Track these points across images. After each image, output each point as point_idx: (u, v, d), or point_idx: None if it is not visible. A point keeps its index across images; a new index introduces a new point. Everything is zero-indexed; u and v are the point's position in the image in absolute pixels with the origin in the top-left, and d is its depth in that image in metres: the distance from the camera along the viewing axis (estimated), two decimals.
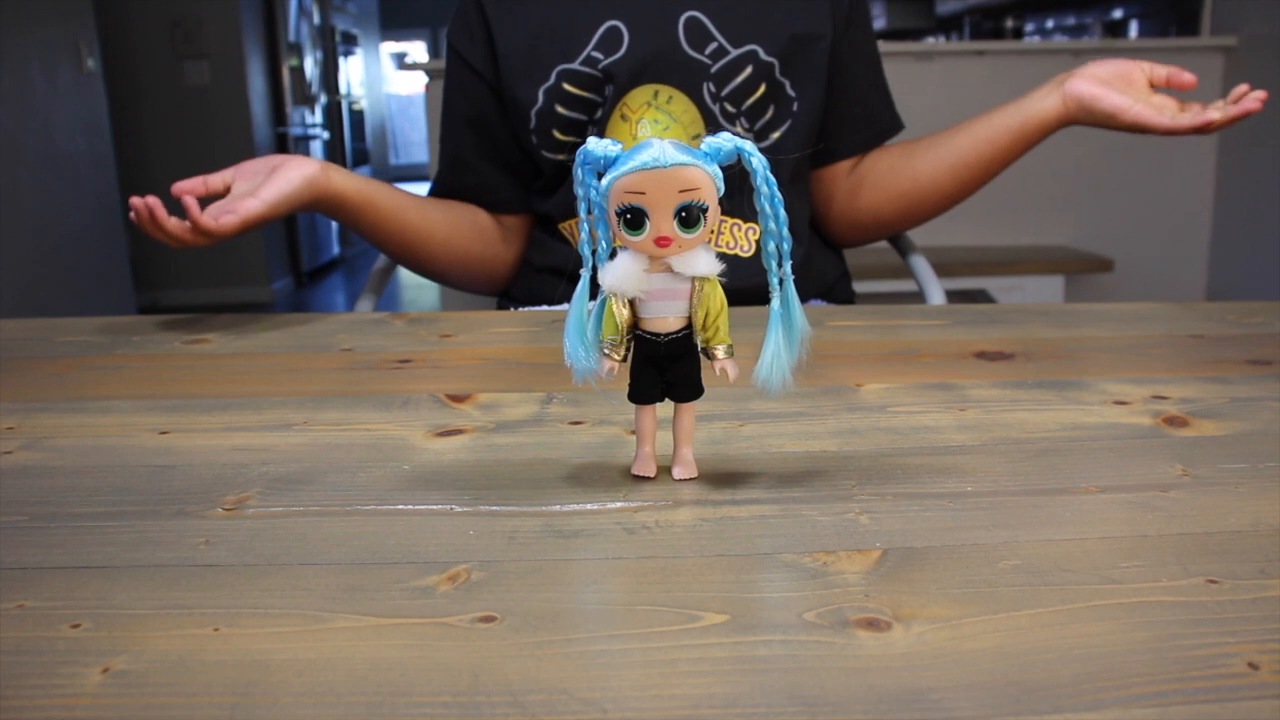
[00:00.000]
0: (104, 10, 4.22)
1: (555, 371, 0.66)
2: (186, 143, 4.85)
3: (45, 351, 0.75)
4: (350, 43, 7.20)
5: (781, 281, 0.43)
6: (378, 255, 1.17)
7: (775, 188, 0.42)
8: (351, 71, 7.24)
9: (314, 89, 6.10)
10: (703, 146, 0.41)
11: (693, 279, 0.43)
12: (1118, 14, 3.76)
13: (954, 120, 1.07)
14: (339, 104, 6.76)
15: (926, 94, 2.49)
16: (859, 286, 1.19)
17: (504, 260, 1.11)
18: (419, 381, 0.65)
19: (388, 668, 0.31)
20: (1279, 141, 2.55)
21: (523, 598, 0.36)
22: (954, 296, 1.26)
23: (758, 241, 0.97)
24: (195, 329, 0.81)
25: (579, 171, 0.42)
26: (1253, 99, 0.88)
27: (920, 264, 1.17)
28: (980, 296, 2.57)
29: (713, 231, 0.43)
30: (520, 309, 1.06)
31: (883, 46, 1.12)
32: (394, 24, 9.54)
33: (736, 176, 0.42)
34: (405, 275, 5.65)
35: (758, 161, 0.41)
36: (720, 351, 0.44)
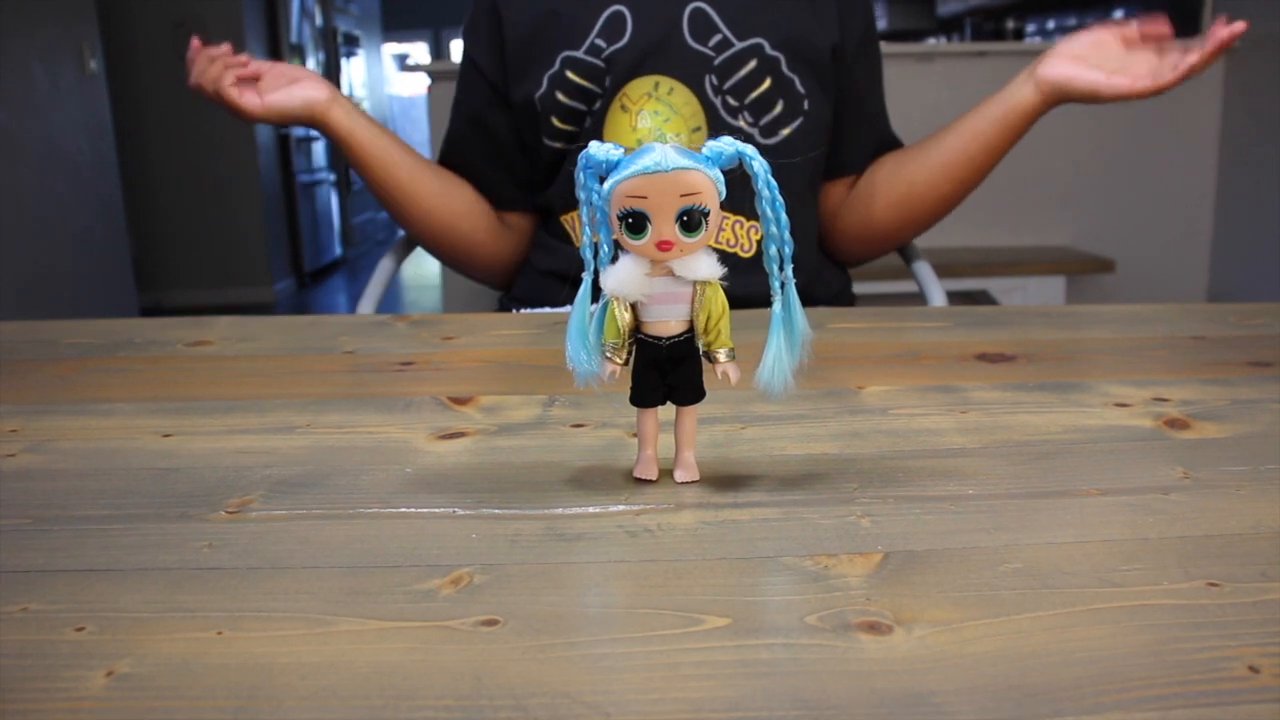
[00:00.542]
0: (106, 11, 4.22)
1: (557, 374, 0.66)
2: (189, 144, 4.85)
3: (48, 354, 0.75)
4: (352, 44, 7.20)
5: (783, 285, 0.43)
6: (380, 256, 1.18)
7: (777, 191, 0.42)
8: (354, 73, 7.24)
9: None
10: (704, 150, 0.41)
11: (694, 283, 0.43)
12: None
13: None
14: None
15: (927, 95, 2.49)
16: (860, 287, 1.20)
17: (494, 250, 1.11)
18: (421, 384, 0.65)
19: (390, 671, 0.32)
20: None
21: (525, 601, 0.36)
22: (955, 297, 1.26)
23: (759, 241, 0.97)
24: (198, 331, 0.81)
25: (581, 175, 0.42)
26: (1224, 31, 0.89)
27: (922, 266, 1.17)
28: (982, 297, 2.57)
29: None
30: (523, 311, 1.06)
31: (883, 47, 1.12)
32: (396, 25, 9.54)
33: (737, 172, 0.43)
34: (408, 277, 5.65)
35: (759, 166, 0.42)
36: (722, 355, 0.44)
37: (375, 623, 0.35)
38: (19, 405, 0.61)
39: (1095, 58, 0.94)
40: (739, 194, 0.43)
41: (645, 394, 0.45)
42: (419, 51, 10.79)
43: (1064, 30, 4.08)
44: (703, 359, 0.45)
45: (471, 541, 0.41)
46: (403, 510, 0.44)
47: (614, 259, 0.44)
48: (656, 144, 0.41)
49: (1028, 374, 0.65)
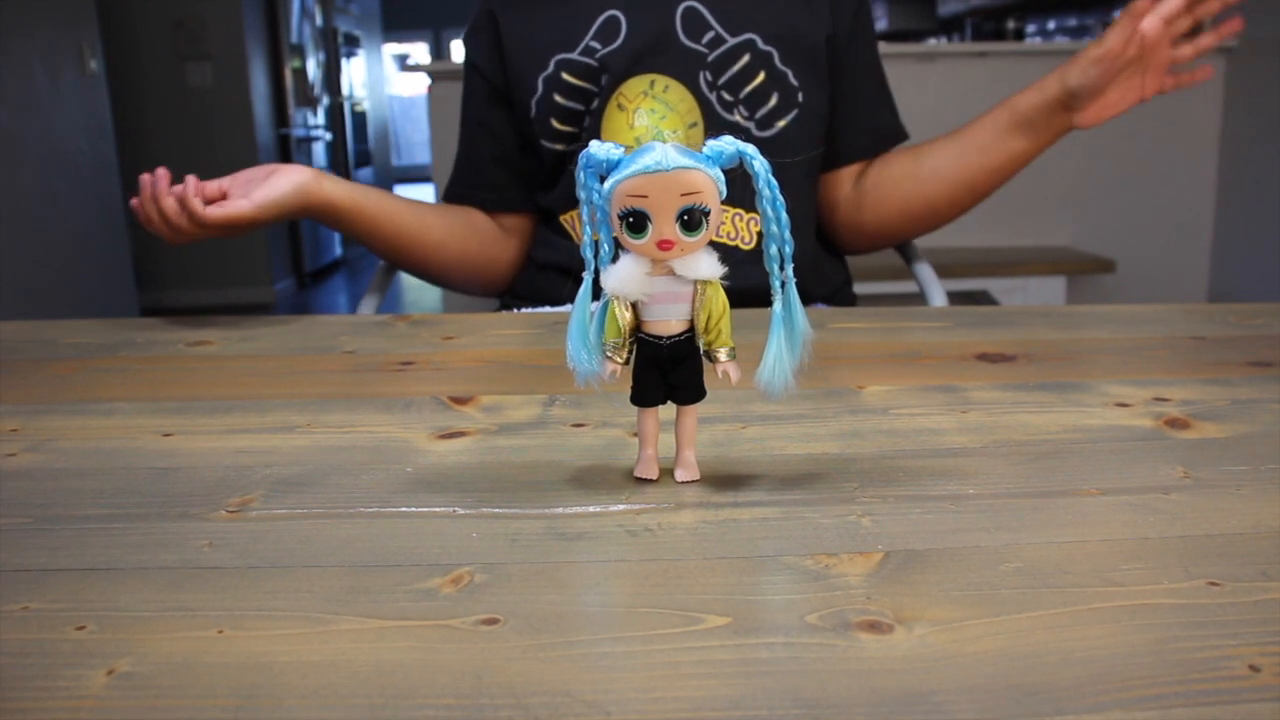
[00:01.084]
0: (107, 11, 4.22)
1: (558, 374, 0.66)
2: (189, 144, 4.85)
3: (49, 353, 0.75)
4: (352, 44, 7.20)
5: (784, 284, 0.43)
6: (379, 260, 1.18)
7: (777, 190, 0.42)
8: (354, 73, 7.24)
9: (316, 90, 6.11)
10: (704, 150, 0.41)
11: (695, 282, 0.43)
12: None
13: (955, 121, 1.06)
14: (341, 105, 6.76)
15: (928, 95, 2.49)
16: (860, 288, 1.19)
17: (501, 262, 1.12)
18: (422, 383, 0.65)
19: (391, 670, 0.32)
20: None
21: (525, 600, 0.36)
22: (956, 297, 1.26)
23: (759, 233, 0.97)
24: (198, 331, 0.81)
25: (581, 175, 0.42)
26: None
27: (922, 267, 1.17)
28: (982, 297, 2.57)
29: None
30: (523, 309, 1.06)
31: (884, 48, 1.12)
32: (396, 25, 9.55)
33: (738, 169, 0.43)
34: (408, 277, 5.65)
35: (760, 165, 0.42)
36: (722, 354, 0.44)
37: (376, 622, 0.35)
38: (20, 405, 0.61)
39: (1114, 83, 0.95)
40: (739, 186, 0.42)
41: (646, 393, 0.45)
42: (419, 52, 10.79)
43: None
44: (703, 358, 0.45)
45: (472, 541, 0.41)
46: (403, 510, 0.44)
47: (614, 258, 0.44)
48: (657, 143, 0.41)
49: (1028, 374, 0.65)
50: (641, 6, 1.00)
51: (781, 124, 1.01)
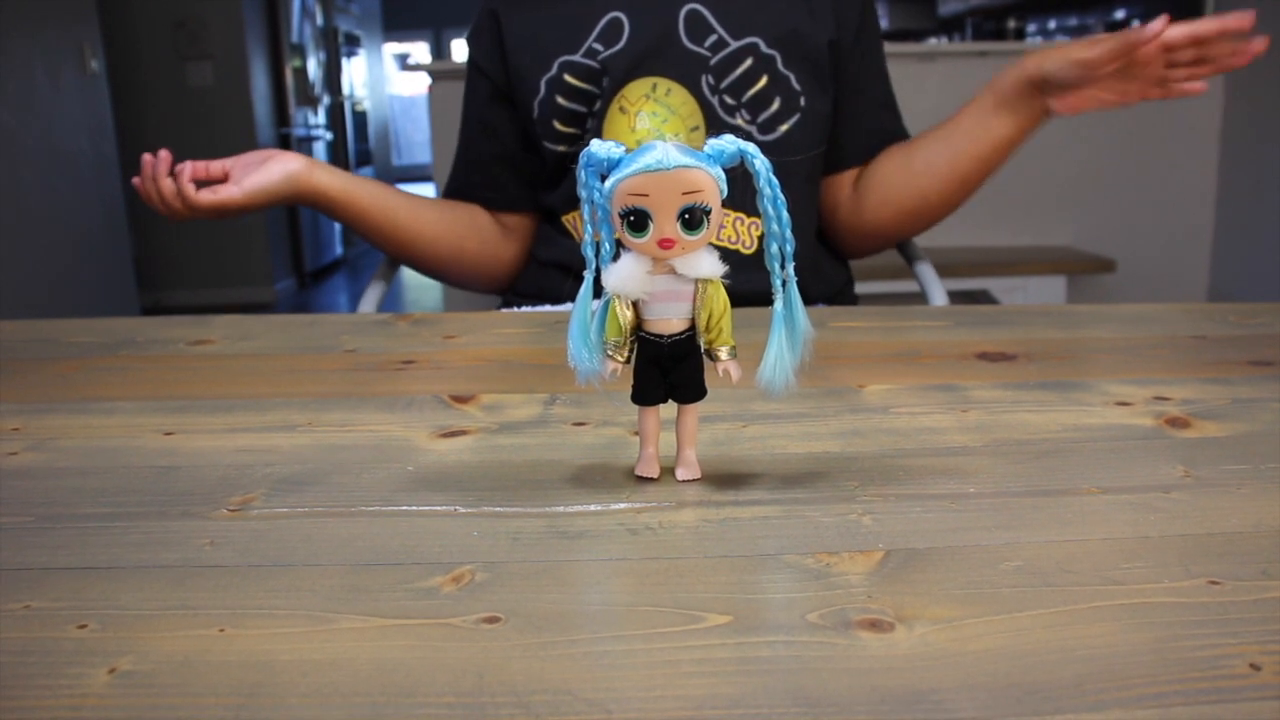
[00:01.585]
0: (107, 11, 4.23)
1: (558, 372, 0.66)
2: (190, 143, 4.84)
3: (50, 353, 0.75)
4: (353, 44, 7.20)
5: (785, 283, 0.43)
6: (381, 256, 1.18)
7: (778, 190, 0.42)
8: (354, 72, 7.24)
9: (317, 90, 6.11)
10: (705, 149, 0.41)
11: (696, 281, 0.43)
12: (1120, 14, 3.75)
13: None
14: (342, 105, 6.76)
15: (929, 95, 2.49)
16: (861, 287, 1.19)
17: (502, 259, 1.12)
18: (422, 382, 0.65)
19: (392, 668, 0.32)
20: None
21: (526, 599, 0.36)
22: (956, 297, 1.26)
23: (760, 238, 0.97)
24: (199, 330, 0.81)
25: (582, 174, 0.42)
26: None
27: (923, 266, 1.17)
28: (982, 297, 2.57)
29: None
30: (524, 308, 1.07)
31: (885, 47, 1.12)
32: (397, 25, 9.55)
33: (738, 170, 0.43)
34: (409, 275, 5.66)
35: (760, 164, 0.42)
36: (723, 353, 0.44)
37: (377, 620, 0.35)
38: (21, 404, 0.61)
39: (1093, 82, 0.93)
40: (740, 190, 0.43)
41: (647, 392, 0.45)
42: (420, 51, 10.79)
43: (1065, 30, 4.08)
44: (704, 357, 0.45)
45: (473, 539, 0.41)
46: (404, 508, 0.45)
47: (615, 257, 0.44)
48: (658, 142, 0.41)
49: (1029, 373, 0.65)
50: (644, 9, 1.00)
51: (784, 128, 1.01)
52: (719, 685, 0.30)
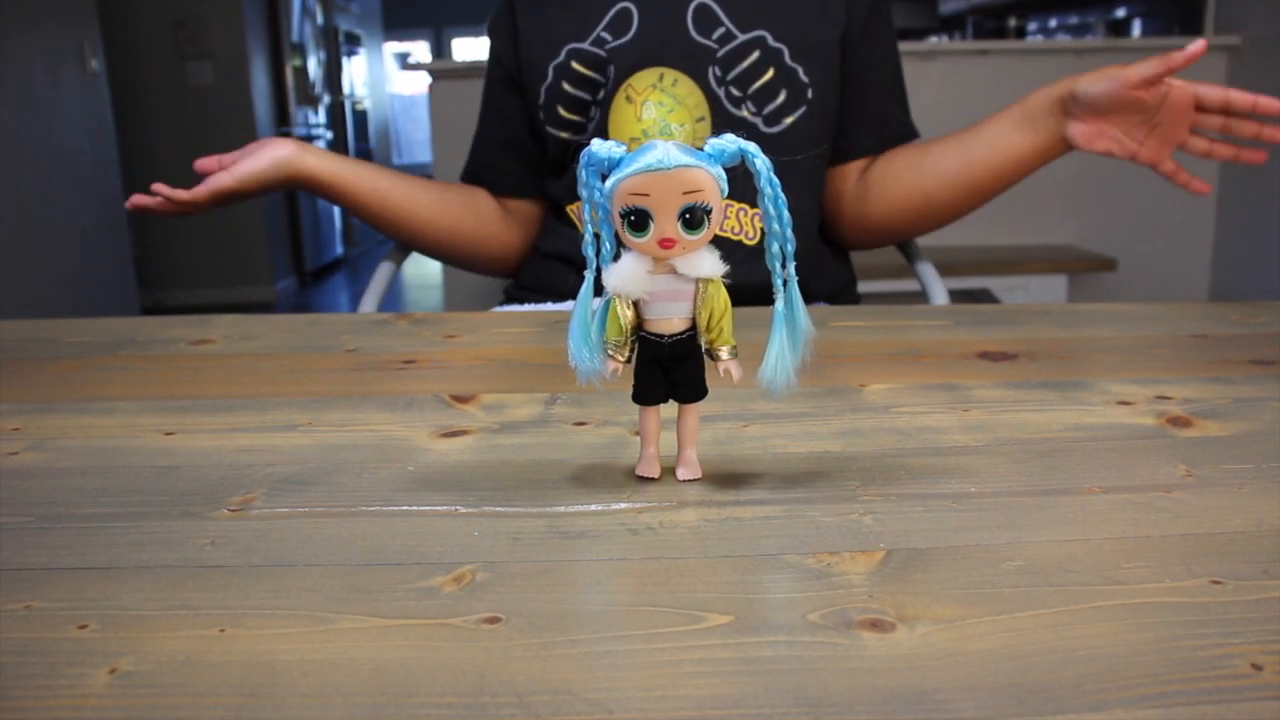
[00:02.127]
0: (108, 10, 4.23)
1: (559, 372, 0.66)
2: (190, 143, 4.85)
3: (50, 352, 0.75)
4: (353, 43, 7.20)
5: (786, 283, 0.43)
6: (381, 255, 1.19)
7: (779, 189, 0.42)
8: (355, 72, 7.24)
9: (317, 89, 6.11)
10: (706, 148, 0.41)
11: (696, 280, 0.43)
12: (1121, 13, 3.75)
13: (957, 120, 1.06)
14: (342, 104, 6.76)
15: (929, 94, 2.49)
16: (862, 286, 1.19)
17: (501, 242, 1.14)
18: (423, 382, 0.65)
19: (393, 669, 0.32)
20: None
21: (527, 599, 0.36)
22: (957, 296, 1.26)
23: (763, 229, 0.97)
24: (200, 330, 0.81)
25: (583, 173, 0.42)
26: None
27: (924, 265, 1.17)
28: (984, 296, 2.57)
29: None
30: (526, 305, 1.07)
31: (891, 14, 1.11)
32: (397, 24, 9.55)
33: (741, 167, 0.43)
34: (409, 275, 5.66)
35: (761, 163, 0.42)
36: (724, 352, 0.44)
37: (378, 620, 0.35)
38: (21, 404, 0.61)
39: (1118, 116, 0.93)
40: (744, 181, 0.42)
41: (647, 392, 0.45)
42: (420, 50, 10.79)
43: (1066, 28, 4.07)
44: (705, 357, 0.45)
45: (473, 539, 0.41)
46: (405, 508, 0.45)
47: (616, 256, 0.44)
48: (659, 141, 0.41)
49: (1030, 372, 0.65)
50: (653, 1, 1.01)
51: (790, 120, 1.01)
52: (720, 685, 0.30)
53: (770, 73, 1.00)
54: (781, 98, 1.00)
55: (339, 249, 6.39)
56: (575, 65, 1.02)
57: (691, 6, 1.01)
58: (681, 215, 0.41)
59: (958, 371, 0.66)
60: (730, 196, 0.42)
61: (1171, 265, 2.84)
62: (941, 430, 0.54)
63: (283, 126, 5.43)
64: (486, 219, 1.12)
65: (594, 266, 0.44)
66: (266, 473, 0.49)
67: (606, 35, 1.01)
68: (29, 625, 0.35)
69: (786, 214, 0.42)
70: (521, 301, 1.09)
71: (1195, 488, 0.46)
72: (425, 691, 0.30)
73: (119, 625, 0.35)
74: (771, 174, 0.42)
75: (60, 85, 3.57)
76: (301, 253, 5.65)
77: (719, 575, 0.38)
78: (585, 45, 1.02)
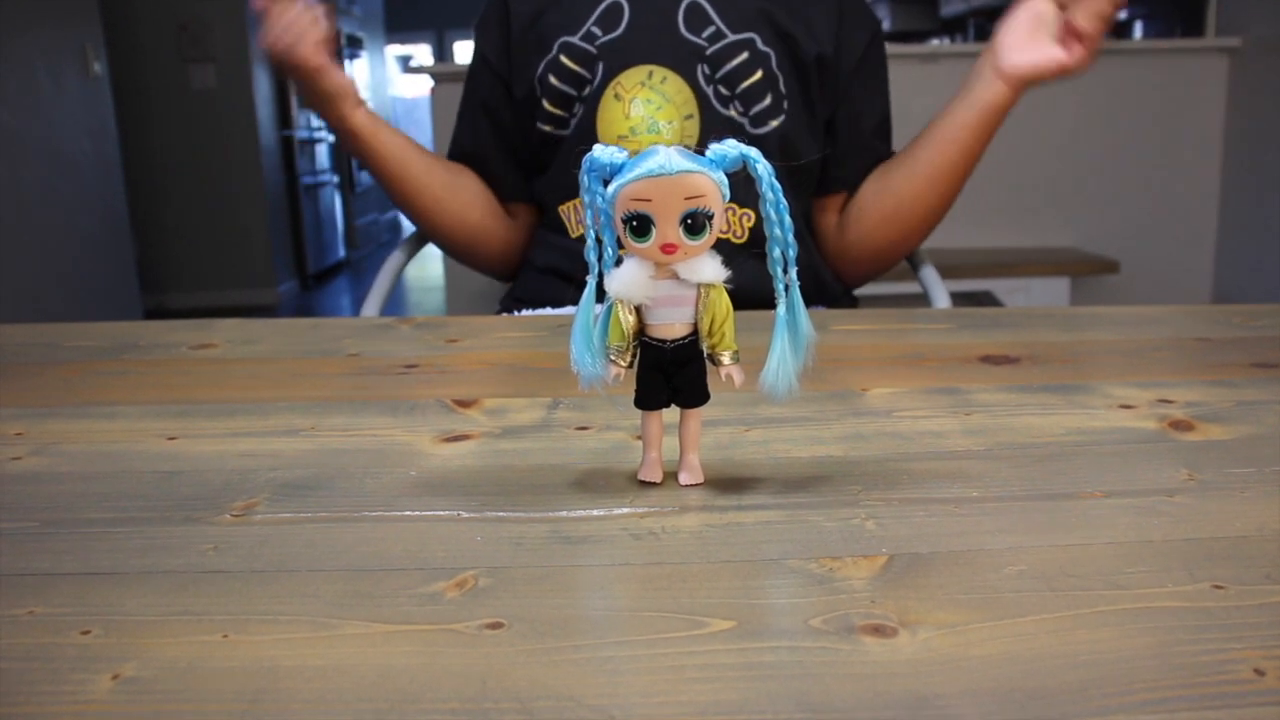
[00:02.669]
0: (110, 13, 4.23)
1: (562, 377, 0.66)
2: (193, 146, 4.86)
3: (52, 357, 0.75)
4: (356, 46, 7.21)
5: (787, 287, 0.43)
6: (383, 258, 1.19)
7: (780, 194, 0.42)
8: (357, 74, 7.25)
9: None
10: (708, 153, 0.41)
11: (698, 285, 0.43)
12: (1122, 15, 3.75)
13: None
14: None
15: (931, 96, 2.48)
16: (864, 289, 1.19)
17: (502, 240, 1.14)
18: (426, 387, 0.65)
19: (396, 674, 0.32)
20: None
21: (530, 604, 0.36)
22: (959, 298, 1.26)
23: (750, 229, 0.98)
24: (202, 334, 0.81)
25: (585, 178, 0.42)
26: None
27: (926, 268, 1.17)
28: (985, 298, 2.56)
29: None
30: (524, 312, 1.07)
31: (886, 48, 1.12)
32: (399, 27, 9.55)
33: (742, 173, 0.43)
34: (412, 279, 5.66)
35: (763, 168, 0.42)
36: (726, 357, 0.44)
37: (380, 626, 0.35)
38: (23, 408, 0.62)
39: (1043, 32, 0.95)
40: (733, 181, 0.42)
41: (649, 397, 0.45)
42: (422, 53, 10.80)
43: None
44: (707, 361, 0.45)
45: (476, 544, 0.41)
46: (407, 513, 0.45)
47: (618, 261, 0.44)
48: (660, 146, 0.41)
49: (1032, 376, 0.65)
50: None
51: (774, 124, 1.01)
52: (723, 691, 0.30)
53: (758, 74, 1.00)
54: (767, 101, 1.01)
55: (341, 252, 6.40)
56: (564, 59, 1.02)
57: (683, 4, 1.01)
58: (683, 220, 0.41)
59: (960, 375, 0.66)
60: None
61: (1174, 268, 2.83)
62: (943, 434, 0.54)
63: (285, 129, 5.43)
64: (489, 211, 1.13)
65: (596, 272, 0.44)
66: (269, 477, 0.49)
67: (596, 30, 1.01)
68: (32, 631, 0.35)
69: (788, 219, 0.42)
70: (518, 312, 1.09)
71: (1197, 492, 0.46)
72: (428, 697, 0.30)
73: (122, 631, 0.35)
74: (773, 179, 0.42)
75: (62, 88, 3.58)
76: (303, 256, 5.65)
77: (721, 580, 0.38)
78: (575, 39, 1.02)
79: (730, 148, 0.41)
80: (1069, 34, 0.93)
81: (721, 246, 0.43)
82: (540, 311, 1.05)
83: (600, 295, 0.44)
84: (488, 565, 0.39)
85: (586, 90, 1.02)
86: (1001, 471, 0.49)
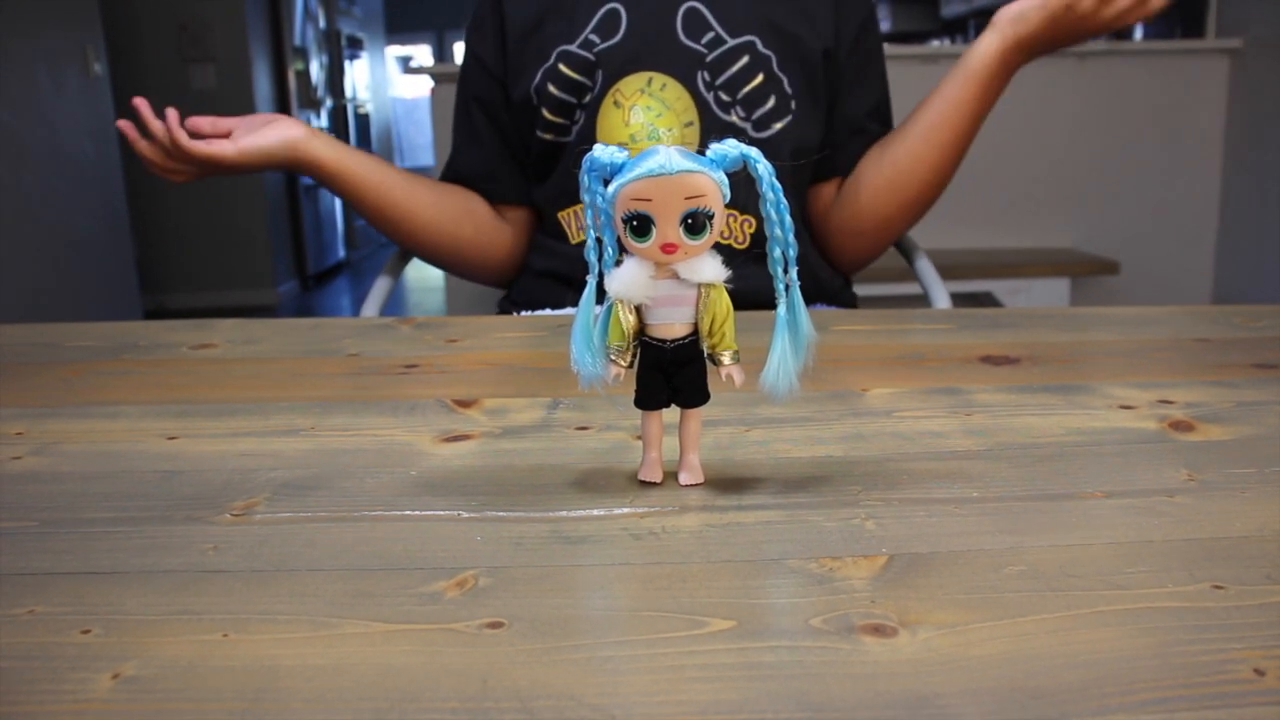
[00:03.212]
0: (110, 14, 4.23)
1: (562, 377, 0.66)
2: None
3: (53, 357, 0.75)
4: (356, 46, 7.21)
5: (787, 287, 0.43)
6: (384, 259, 1.18)
7: (781, 194, 0.42)
8: (357, 75, 7.25)
9: (319, 92, 6.12)
10: (709, 153, 0.41)
11: (699, 285, 0.43)
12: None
13: None
14: (345, 108, 6.77)
15: None
16: (863, 290, 1.19)
17: (499, 250, 1.12)
18: (426, 387, 0.65)
19: (396, 673, 0.32)
20: None
21: (530, 603, 0.36)
22: (959, 299, 1.26)
23: (752, 235, 0.98)
24: (202, 334, 0.81)
25: (585, 178, 0.42)
26: None
27: (925, 267, 1.17)
28: (985, 299, 2.57)
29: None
30: (524, 313, 1.07)
31: (887, 49, 1.12)
32: (399, 28, 9.56)
33: (742, 174, 0.43)
34: (412, 278, 5.66)
35: (763, 168, 0.42)
36: (726, 357, 0.44)
37: (381, 625, 0.35)
38: (24, 408, 0.62)
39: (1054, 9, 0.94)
40: (734, 186, 0.42)
41: (650, 396, 0.45)
42: (422, 54, 10.80)
43: None
44: (707, 361, 0.45)
45: (476, 544, 0.41)
46: (407, 513, 0.45)
47: (618, 261, 0.44)
48: (661, 146, 0.41)
49: (1032, 376, 0.65)
50: (642, 3, 1.01)
51: (778, 126, 1.01)
52: (722, 690, 0.30)
53: (759, 78, 1.00)
54: (770, 104, 1.00)
55: (341, 252, 6.40)
56: (563, 67, 1.01)
57: (681, 10, 1.00)
58: (683, 220, 0.41)
59: (960, 375, 0.66)
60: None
61: (1174, 268, 2.84)
62: (943, 435, 0.54)
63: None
64: (483, 225, 1.11)
65: (596, 272, 0.44)
66: (269, 477, 0.49)
67: (594, 38, 1.00)
68: (32, 630, 0.35)
69: (789, 219, 0.42)
70: (518, 313, 1.09)
71: (1197, 492, 0.46)
72: (428, 696, 0.30)
73: (122, 630, 0.35)
74: (773, 179, 0.42)
75: (63, 88, 3.58)
76: (304, 256, 5.66)
77: (721, 580, 0.38)
78: (573, 48, 1.01)
79: (730, 147, 0.41)
80: None
81: (721, 253, 0.43)
82: (540, 312, 1.04)
83: (600, 295, 0.44)
84: (488, 565, 0.39)
85: (587, 98, 1.01)
86: (1002, 471, 0.49)
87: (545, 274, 1.06)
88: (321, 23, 6.27)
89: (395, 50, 9.83)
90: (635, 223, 0.41)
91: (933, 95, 1.01)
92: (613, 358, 0.44)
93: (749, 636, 0.34)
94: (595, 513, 0.44)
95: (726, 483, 0.47)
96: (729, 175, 0.42)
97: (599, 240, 0.44)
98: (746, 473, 0.49)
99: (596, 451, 0.52)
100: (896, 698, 0.30)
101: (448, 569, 0.39)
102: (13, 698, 0.31)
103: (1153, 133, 2.74)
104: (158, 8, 4.81)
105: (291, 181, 5.49)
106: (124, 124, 0.96)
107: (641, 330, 0.44)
